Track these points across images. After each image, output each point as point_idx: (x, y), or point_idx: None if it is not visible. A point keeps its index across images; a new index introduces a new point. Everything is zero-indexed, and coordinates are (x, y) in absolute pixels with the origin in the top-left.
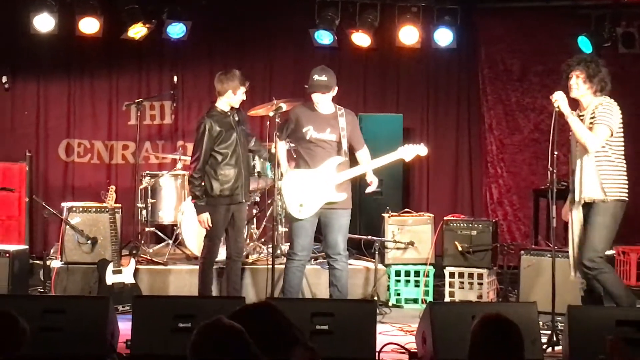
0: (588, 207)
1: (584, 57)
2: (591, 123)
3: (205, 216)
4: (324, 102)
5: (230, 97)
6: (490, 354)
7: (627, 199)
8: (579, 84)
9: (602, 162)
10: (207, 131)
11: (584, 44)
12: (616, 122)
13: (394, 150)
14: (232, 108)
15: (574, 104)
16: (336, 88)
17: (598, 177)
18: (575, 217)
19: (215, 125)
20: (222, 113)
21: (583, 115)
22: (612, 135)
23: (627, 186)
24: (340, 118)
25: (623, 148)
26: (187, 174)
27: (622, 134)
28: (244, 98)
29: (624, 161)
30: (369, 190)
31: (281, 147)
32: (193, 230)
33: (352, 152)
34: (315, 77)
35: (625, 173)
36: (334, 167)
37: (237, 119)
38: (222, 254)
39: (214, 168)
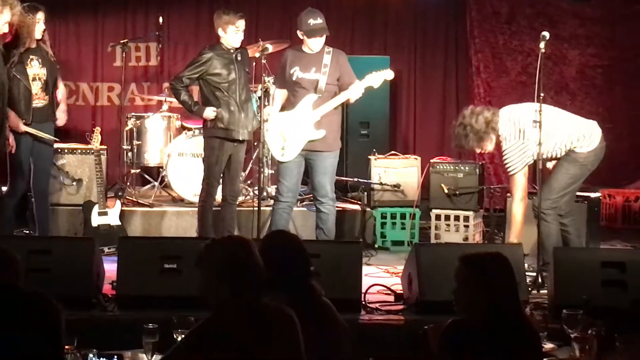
0: None
1: (457, 134)
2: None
3: (210, 110)
4: (319, 44)
5: (224, 37)
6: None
7: (599, 146)
8: (482, 148)
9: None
10: (202, 59)
11: None
12: (515, 138)
13: (382, 93)
14: (236, 48)
15: None
16: None
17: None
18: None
19: (215, 58)
20: (224, 49)
21: None
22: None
23: (593, 135)
24: (325, 56)
25: (561, 112)
26: (173, 116)
27: (536, 112)
28: (240, 37)
29: (575, 119)
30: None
31: (278, 94)
32: (179, 172)
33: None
34: (311, 21)
35: (584, 125)
36: (309, 104)
37: (239, 58)
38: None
39: (212, 103)
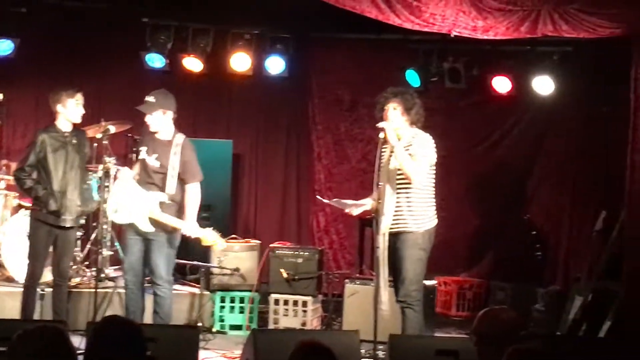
0: (395, 236)
1: (400, 89)
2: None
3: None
4: (151, 123)
5: (64, 112)
6: None
7: (433, 227)
8: (396, 116)
9: (411, 194)
10: (36, 142)
11: (412, 77)
12: (434, 156)
13: (224, 177)
14: (74, 128)
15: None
16: (169, 112)
17: (407, 209)
18: (383, 245)
19: (48, 140)
20: (58, 131)
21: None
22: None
23: (435, 216)
24: (175, 148)
25: (434, 181)
26: (10, 194)
27: (434, 168)
28: (82, 110)
29: (434, 193)
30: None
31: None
32: (14, 252)
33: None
34: (146, 97)
35: (434, 204)
36: (157, 202)
37: (74, 141)
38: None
39: (41, 184)
